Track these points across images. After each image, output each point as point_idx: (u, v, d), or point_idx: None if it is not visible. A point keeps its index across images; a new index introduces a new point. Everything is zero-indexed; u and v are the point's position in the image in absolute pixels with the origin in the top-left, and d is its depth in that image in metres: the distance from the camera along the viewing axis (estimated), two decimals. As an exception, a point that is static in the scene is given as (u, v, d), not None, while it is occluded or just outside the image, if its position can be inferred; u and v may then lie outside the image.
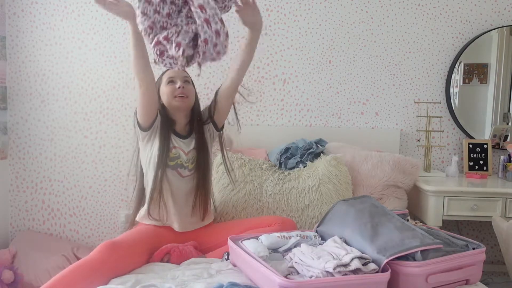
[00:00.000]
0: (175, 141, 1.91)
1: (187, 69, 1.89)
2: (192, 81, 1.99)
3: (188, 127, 1.97)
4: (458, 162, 2.58)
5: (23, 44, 2.64)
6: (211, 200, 2.04)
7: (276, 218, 1.95)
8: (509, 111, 2.68)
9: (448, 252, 1.45)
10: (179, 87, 1.88)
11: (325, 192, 2.18)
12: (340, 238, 1.53)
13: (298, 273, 1.40)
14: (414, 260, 1.38)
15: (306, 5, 2.65)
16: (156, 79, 1.91)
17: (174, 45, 1.35)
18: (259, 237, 1.60)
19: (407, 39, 2.67)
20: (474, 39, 2.64)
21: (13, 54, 2.65)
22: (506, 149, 2.60)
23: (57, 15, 2.63)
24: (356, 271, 1.31)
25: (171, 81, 1.91)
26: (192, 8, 1.31)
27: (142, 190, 1.97)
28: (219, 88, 1.98)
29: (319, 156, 2.35)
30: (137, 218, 1.94)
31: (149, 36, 1.40)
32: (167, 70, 1.94)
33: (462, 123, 2.68)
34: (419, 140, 2.69)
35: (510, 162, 2.50)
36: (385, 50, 2.68)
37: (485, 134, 2.71)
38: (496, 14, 2.66)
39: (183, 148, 1.91)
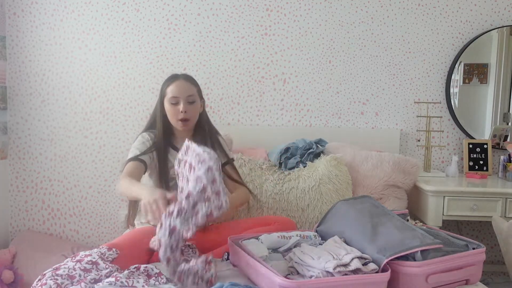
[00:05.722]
0: (174, 159, 1.85)
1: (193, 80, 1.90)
2: (199, 92, 1.91)
3: (192, 139, 1.90)
4: (458, 162, 2.58)
5: (23, 44, 2.64)
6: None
7: (276, 217, 1.95)
8: (509, 111, 2.68)
9: (448, 252, 1.45)
10: (181, 112, 1.81)
11: (325, 192, 2.18)
12: (340, 238, 1.53)
13: (298, 273, 1.40)
14: (414, 260, 1.38)
15: (306, 5, 2.65)
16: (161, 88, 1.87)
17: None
18: (259, 237, 1.60)
19: (407, 39, 2.67)
20: (474, 39, 2.64)
21: (13, 54, 2.65)
22: (506, 149, 2.60)
23: (57, 15, 2.63)
24: (356, 271, 1.31)
25: (174, 102, 1.83)
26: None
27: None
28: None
29: (319, 156, 2.35)
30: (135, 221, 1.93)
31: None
32: (172, 81, 1.85)
33: (462, 123, 2.67)
34: (419, 140, 2.69)
35: (510, 162, 2.50)
36: (385, 50, 2.68)
37: (485, 134, 2.71)
38: (496, 14, 2.66)
39: None
